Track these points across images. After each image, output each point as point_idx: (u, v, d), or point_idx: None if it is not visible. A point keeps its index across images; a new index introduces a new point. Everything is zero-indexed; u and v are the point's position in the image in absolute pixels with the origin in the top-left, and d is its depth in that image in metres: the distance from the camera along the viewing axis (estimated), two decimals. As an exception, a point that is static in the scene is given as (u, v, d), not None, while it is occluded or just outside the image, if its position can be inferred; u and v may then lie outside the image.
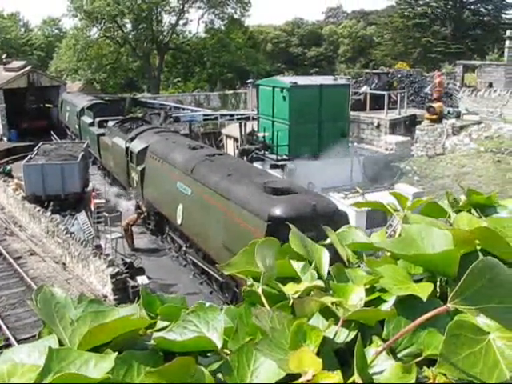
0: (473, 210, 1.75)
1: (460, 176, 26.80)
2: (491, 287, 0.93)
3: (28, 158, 27.37)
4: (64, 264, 19.92)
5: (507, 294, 0.93)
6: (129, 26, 55.49)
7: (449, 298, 0.95)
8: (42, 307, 1.02)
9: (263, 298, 1.08)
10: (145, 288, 1.25)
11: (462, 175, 26.91)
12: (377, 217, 17.61)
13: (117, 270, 17.19)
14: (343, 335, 1.00)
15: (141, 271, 18.37)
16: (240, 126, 29.59)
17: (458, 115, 33.52)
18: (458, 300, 0.94)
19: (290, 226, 1.29)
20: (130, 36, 55.49)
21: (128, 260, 19.05)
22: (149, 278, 18.22)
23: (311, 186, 18.24)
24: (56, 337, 0.98)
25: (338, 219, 12.77)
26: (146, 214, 23.61)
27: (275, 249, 1.20)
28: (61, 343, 0.98)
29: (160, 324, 1.05)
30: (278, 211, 13.59)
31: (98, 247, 20.07)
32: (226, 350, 1.00)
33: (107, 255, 19.08)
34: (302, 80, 28.23)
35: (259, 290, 1.10)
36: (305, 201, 13.99)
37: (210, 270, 17.69)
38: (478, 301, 0.93)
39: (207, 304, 1.05)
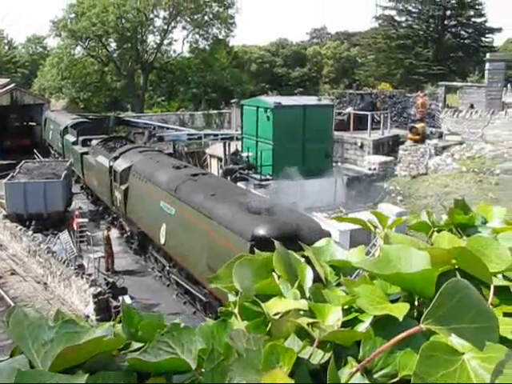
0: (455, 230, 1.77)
1: (443, 196, 26.99)
2: (462, 307, 0.93)
3: (10, 176, 27.17)
4: (45, 284, 19.71)
5: (477, 314, 0.93)
6: (113, 45, 55.60)
7: (422, 318, 0.95)
8: (14, 328, 1.00)
9: (239, 319, 1.08)
10: (126, 304, 1.24)
11: (445, 195, 27.11)
12: (360, 236, 17.64)
13: (99, 289, 17.04)
14: (319, 356, 1.00)
15: (123, 291, 18.23)
16: (224, 145, 29.63)
17: (441, 135, 33.87)
18: (430, 320, 0.94)
19: (276, 243, 1.29)
20: (115, 55, 55.59)
21: (111, 280, 18.92)
22: (132, 297, 18.07)
23: (295, 206, 18.26)
24: (26, 358, 0.97)
25: (321, 238, 12.78)
26: (129, 233, 23.51)
27: (254, 268, 1.20)
28: (32, 365, 0.96)
29: (134, 345, 1.04)
30: (261, 231, 13.59)
31: (81, 267, 19.91)
32: (200, 370, 0.99)
33: (90, 275, 18.93)
34: (286, 100, 28.38)
35: (235, 311, 1.10)
36: (288, 220, 14.02)
37: (193, 290, 17.60)
38: (450, 321, 0.93)
39: (182, 324, 1.04)
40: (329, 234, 14.02)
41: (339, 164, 29.49)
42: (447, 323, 0.93)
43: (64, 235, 22.65)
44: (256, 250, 1.36)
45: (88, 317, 16.28)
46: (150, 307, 17.81)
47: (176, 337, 1.00)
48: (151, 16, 54.39)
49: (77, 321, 1.06)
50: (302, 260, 1.31)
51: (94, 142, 29.46)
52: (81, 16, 50.73)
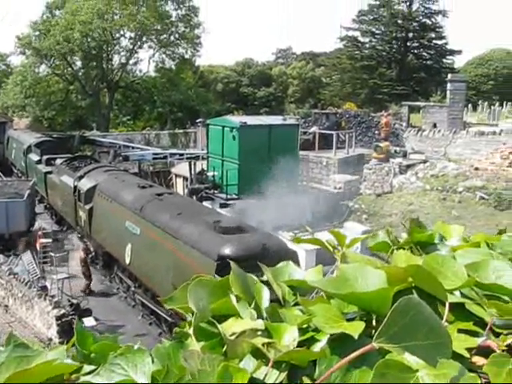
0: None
1: (407, 214, 27.29)
2: (415, 325, 0.94)
3: (-29, 195, 26.67)
4: (6, 306, 19.26)
5: (430, 332, 0.94)
6: (79, 63, 55.26)
7: (374, 337, 0.95)
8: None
9: (194, 340, 1.07)
10: (79, 325, 1.21)
11: (410, 213, 27.40)
12: (326, 256, 17.66)
13: (62, 311, 16.72)
14: (273, 376, 1.00)
15: (88, 312, 17.94)
16: (190, 165, 29.59)
17: (405, 154, 34.36)
18: (383, 338, 0.94)
19: (231, 264, 1.28)
20: (80, 74, 55.20)
21: (75, 301, 18.61)
22: (96, 319, 17.80)
23: (261, 225, 18.27)
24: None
25: (287, 258, 12.81)
26: (93, 253, 23.20)
27: (210, 289, 1.19)
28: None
29: (87, 367, 1.03)
30: (227, 250, 13.56)
31: (44, 288, 19.54)
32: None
33: (53, 296, 18.58)
34: (252, 120, 28.52)
35: (190, 331, 1.09)
36: (255, 240, 14.01)
37: (159, 311, 17.42)
38: (403, 338, 0.94)
39: (136, 346, 1.03)
40: (295, 254, 14.07)
41: (305, 183, 29.62)
42: (400, 341, 0.94)
43: (26, 256, 22.24)
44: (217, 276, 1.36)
45: (51, 340, 15.97)
46: (115, 329, 17.54)
47: (129, 358, 0.99)
48: (117, 35, 54.30)
49: (29, 344, 1.04)
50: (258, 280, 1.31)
51: (58, 162, 29.15)
52: (46, 34, 50.35)
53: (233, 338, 1.05)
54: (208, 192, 26.75)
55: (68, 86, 54.89)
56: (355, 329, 1.06)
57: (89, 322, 17.13)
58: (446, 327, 1.05)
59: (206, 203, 24.35)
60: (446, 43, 60.91)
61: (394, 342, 0.94)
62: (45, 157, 31.62)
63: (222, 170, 26.85)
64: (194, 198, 25.63)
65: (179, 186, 32.43)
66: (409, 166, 32.24)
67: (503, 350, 1.10)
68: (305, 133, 35.31)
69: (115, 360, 1.00)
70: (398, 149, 34.83)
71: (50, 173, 29.55)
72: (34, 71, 52.54)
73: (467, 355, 1.09)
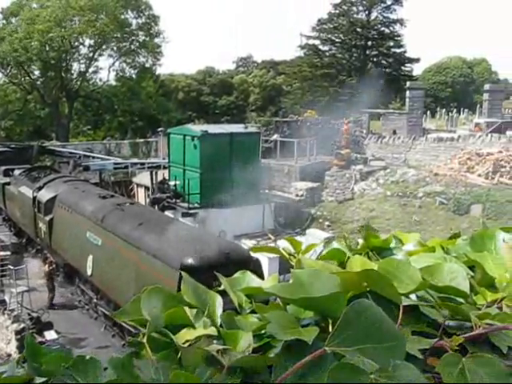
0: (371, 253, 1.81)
1: (369, 220, 27.57)
2: (367, 328, 0.95)
3: None
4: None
5: (383, 334, 0.95)
6: (37, 72, 54.40)
7: (326, 341, 0.96)
8: None
9: (148, 349, 1.06)
10: (30, 336, 1.19)
11: (371, 219, 27.70)
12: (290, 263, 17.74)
13: (22, 325, 16.40)
14: (228, 382, 1.00)
15: (49, 326, 17.63)
16: (151, 174, 29.39)
17: (365, 161, 34.72)
18: (335, 342, 0.95)
19: (183, 273, 1.28)
20: (38, 82, 54.34)
21: (35, 315, 18.26)
22: (58, 332, 17.50)
23: (223, 234, 18.28)
24: None
25: (250, 266, 12.85)
26: (54, 265, 22.84)
27: (163, 297, 1.19)
28: None
29: (38, 380, 1.01)
30: (190, 260, 13.53)
31: (2, 302, 19.15)
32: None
33: (12, 310, 18.21)
34: (213, 128, 28.47)
35: (144, 340, 1.08)
36: (217, 249, 14.02)
37: (122, 322, 17.22)
38: (355, 342, 0.95)
39: (88, 356, 1.02)
40: (258, 261, 14.10)
41: (267, 191, 29.68)
42: (352, 344, 0.95)
43: (-16, 270, 21.78)
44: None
45: (10, 355, 15.63)
46: (78, 342, 17.29)
47: (81, 369, 0.98)
48: (76, 43, 53.64)
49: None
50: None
51: (16, 172, 28.68)
52: (1, 40, 49.47)
53: (186, 345, 1.05)
54: (170, 201, 26.59)
55: (26, 95, 54.00)
56: (309, 334, 1.07)
57: (50, 335, 16.83)
58: (399, 329, 1.06)
59: (167, 213, 24.22)
60: (404, 51, 61.90)
61: (346, 346, 0.95)
62: (2, 167, 31.06)
63: (183, 179, 26.73)
64: (156, 207, 25.46)
65: (141, 196, 32.20)
66: (369, 173, 32.60)
67: (455, 350, 1.12)
68: (266, 141, 35.41)
69: (67, 371, 0.99)
70: (358, 156, 35.17)
71: (7, 184, 29.05)
72: (-11, 80, 51.73)
73: (421, 356, 1.11)
